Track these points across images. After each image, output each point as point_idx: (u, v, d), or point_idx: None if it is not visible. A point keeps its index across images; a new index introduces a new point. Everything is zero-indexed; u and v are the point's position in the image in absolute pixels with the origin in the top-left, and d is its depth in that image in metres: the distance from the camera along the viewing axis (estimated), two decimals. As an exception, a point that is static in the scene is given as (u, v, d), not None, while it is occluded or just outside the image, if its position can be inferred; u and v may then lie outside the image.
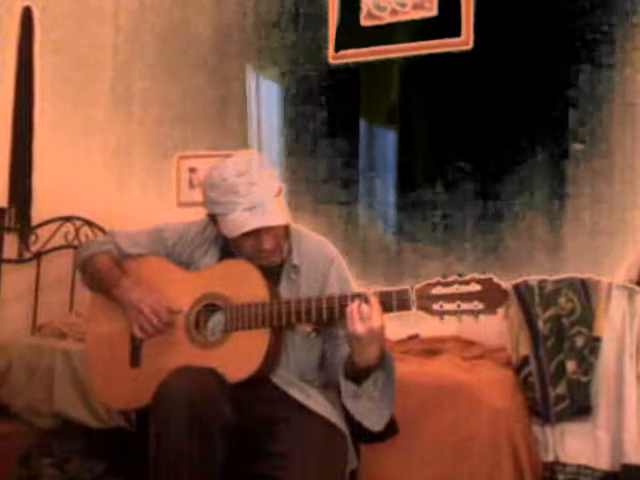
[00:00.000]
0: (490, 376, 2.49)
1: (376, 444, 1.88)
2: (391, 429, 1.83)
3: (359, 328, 1.55)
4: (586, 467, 2.42)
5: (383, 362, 1.65)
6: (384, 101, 3.20)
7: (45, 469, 2.81)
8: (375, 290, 1.61)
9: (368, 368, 1.63)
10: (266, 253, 1.76)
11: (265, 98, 3.45)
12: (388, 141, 3.20)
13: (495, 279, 1.53)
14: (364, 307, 1.56)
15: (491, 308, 1.52)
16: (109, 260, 1.91)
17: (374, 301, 1.57)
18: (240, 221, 1.69)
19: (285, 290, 1.79)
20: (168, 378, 1.61)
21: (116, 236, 1.97)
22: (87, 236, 3.50)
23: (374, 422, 1.67)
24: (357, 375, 1.65)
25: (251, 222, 1.68)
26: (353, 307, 1.57)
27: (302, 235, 1.89)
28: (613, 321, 2.44)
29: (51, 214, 3.36)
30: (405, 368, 2.37)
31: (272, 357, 1.73)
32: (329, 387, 1.85)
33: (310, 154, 3.30)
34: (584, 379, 2.43)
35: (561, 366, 2.45)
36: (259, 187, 1.69)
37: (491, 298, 1.51)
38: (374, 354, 1.60)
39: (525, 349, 2.50)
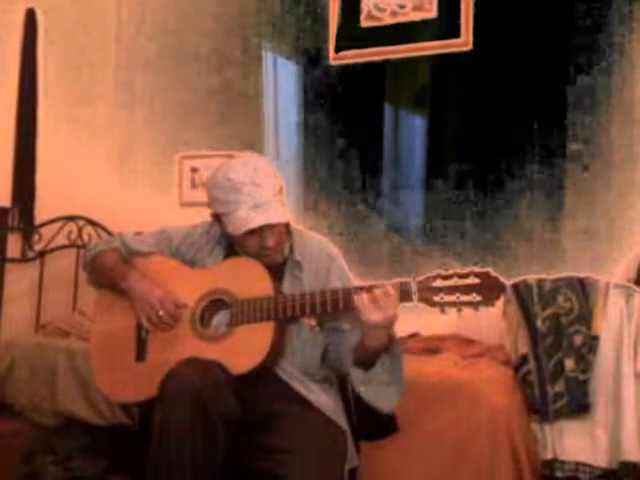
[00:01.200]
0: (489, 374, 2.51)
1: (376, 441, 1.91)
2: (391, 427, 1.86)
3: (376, 316, 1.60)
4: (584, 464, 2.43)
5: (390, 346, 1.70)
6: (384, 101, 3.22)
7: (48, 466, 2.82)
8: (381, 282, 1.65)
9: (376, 352, 1.68)
10: (269, 251, 1.80)
11: (265, 98, 3.48)
12: (389, 141, 3.22)
13: (492, 272, 1.57)
14: (382, 295, 1.61)
15: (489, 300, 1.56)
16: (117, 256, 1.96)
17: (392, 291, 1.61)
18: (244, 219, 1.73)
19: (288, 287, 1.83)
20: (174, 368, 1.65)
21: (123, 236, 2.02)
22: (90, 236, 3.51)
23: (385, 404, 1.73)
24: (365, 361, 1.70)
25: (255, 220, 1.73)
26: (374, 294, 1.62)
27: (303, 234, 1.94)
28: (611, 320, 2.46)
29: (54, 214, 3.37)
30: (405, 366, 2.39)
31: (276, 350, 1.75)
32: (329, 382, 1.88)
33: (311, 154, 3.32)
34: (582, 377, 2.45)
35: (559, 364, 2.47)
36: (262, 187, 1.74)
37: (489, 290, 1.56)
38: (385, 338, 1.67)
39: (524, 347, 2.52)
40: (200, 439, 1.56)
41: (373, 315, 1.61)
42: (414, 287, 1.61)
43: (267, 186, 1.75)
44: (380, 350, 1.68)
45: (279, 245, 1.82)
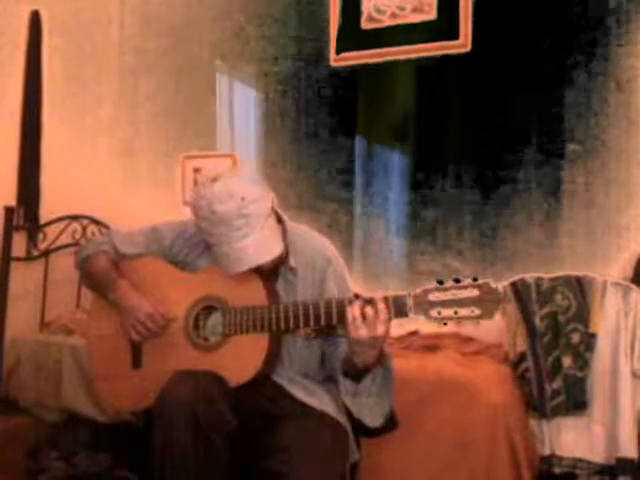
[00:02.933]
0: (488, 372, 2.52)
1: (376, 438, 1.93)
2: (391, 423, 1.86)
3: (361, 333, 1.54)
4: (582, 460, 2.46)
5: (381, 359, 1.66)
6: (382, 104, 3.23)
7: (52, 462, 2.84)
8: (371, 296, 1.58)
9: (366, 368, 1.64)
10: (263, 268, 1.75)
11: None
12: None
13: (492, 284, 1.51)
14: (370, 312, 1.54)
15: (488, 313, 1.50)
16: (105, 262, 1.90)
17: (382, 307, 1.54)
18: (234, 258, 1.66)
19: (282, 292, 1.79)
20: (169, 384, 1.62)
21: (113, 236, 1.97)
22: (94, 234, 3.53)
23: (372, 419, 1.69)
24: (356, 374, 1.66)
25: (245, 260, 1.66)
26: (356, 312, 1.54)
27: (299, 235, 1.86)
28: (608, 318, 2.47)
29: (59, 213, 3.40)
30: (405, 364, 2.41)
31: (272, 359, 1.73)
32: (332, 380, 1.85)
33: (310, 151, 3.34)
34: (580, 374, 2.47)
35: (557, 362, 2.49)
36: (250, 217, 1.65)
37: (488, 303, 1.50)
38: (374, 357, 1.61)
39: (522, 345, 2.53)
40: (200, 455, 1.55)
41: (358, 332, 1.54)
42: (410, 302, 1.54)
43: (256, 215, 1.66)
44: (368, 366, 1.63)
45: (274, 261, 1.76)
